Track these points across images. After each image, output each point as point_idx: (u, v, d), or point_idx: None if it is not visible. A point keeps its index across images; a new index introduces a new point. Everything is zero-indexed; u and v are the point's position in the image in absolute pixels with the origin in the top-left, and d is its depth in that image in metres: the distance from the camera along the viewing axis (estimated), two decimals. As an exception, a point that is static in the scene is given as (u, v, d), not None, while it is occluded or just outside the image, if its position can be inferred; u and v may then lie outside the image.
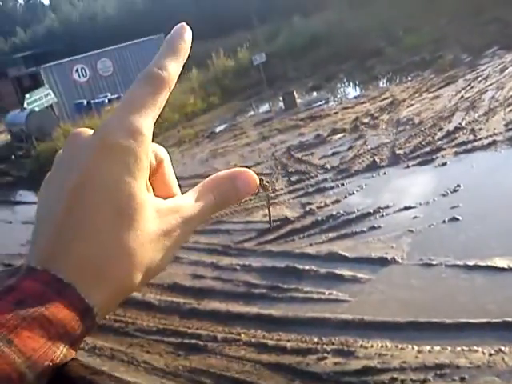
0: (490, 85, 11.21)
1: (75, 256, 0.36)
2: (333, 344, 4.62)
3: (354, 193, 7.81)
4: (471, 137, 8.65)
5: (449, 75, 13.11)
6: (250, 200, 8.45)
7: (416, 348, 4.28)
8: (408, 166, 8.30)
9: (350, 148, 9.64)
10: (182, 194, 0.45)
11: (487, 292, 4.79)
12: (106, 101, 18.64)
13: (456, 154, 8.27)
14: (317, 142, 10.66)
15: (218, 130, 14.66)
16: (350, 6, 23.55)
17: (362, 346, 4.50)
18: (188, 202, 0.41)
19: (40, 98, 16.85)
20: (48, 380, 0.33)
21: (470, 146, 8.37)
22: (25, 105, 16.68)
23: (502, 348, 4.02)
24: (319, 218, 7.16)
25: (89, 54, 21.91)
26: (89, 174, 0.37)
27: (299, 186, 8.53)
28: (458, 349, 4.14)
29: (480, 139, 8.46)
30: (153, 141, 0.41)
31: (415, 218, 6.57)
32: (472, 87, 11.46)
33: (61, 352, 0.33)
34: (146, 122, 0.38)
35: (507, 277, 4.95)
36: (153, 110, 0.39)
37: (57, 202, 0.37)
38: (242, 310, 5.56)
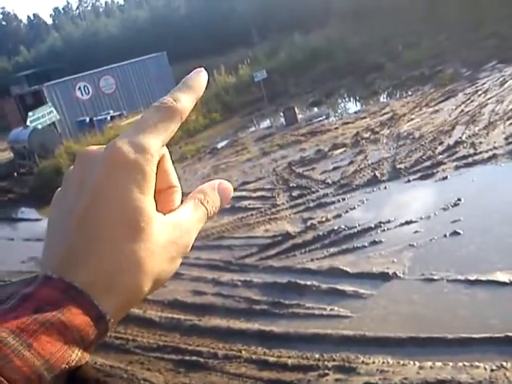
0: (490, 98, 11.26)
1: (89, 266, 0.38)
2: (334, 360, 4.58)
3: (355, 207, 7.81)
4: (472, 150, 8.67)
5: (448, 89, 13.18)
6: (252, 215, 8.46)
7: (417, 364, 4.24)
8: (409, 181, 8.31)
9: (351, 163, 9.66)
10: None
11: (489, 307, 4.76)
12: (109, 118, 18.76)
13: (456, 167, 8.27)
14: (318, 156, 10.69)
15: (219, 145, 14.72)
16: (350, 22, 23.75)
17: (363, 362, 4.46)
18: (187, 216, 0.44)
19: (43, 116, 16.96)
20: (63, 381, 0.35)
21: (470, 159, 8.38)
22: (28, 122, 16.79)
23: (504, 364, 3.98)
24: (320, 233, 7.15)
25: (91, 71, 22.11)
26: (100, 188, 0.39)
27: (300, 201, 8.53)
28: (460, 364, 4.10)
29: (480, 153, 8.47)
30: None
31: (416, 232, 6.55)
32: (472, 101, 11.50)
33: (76, 355, 0.35)
34: (154, 142, 0.41)
35: (509, 291, 4.92)
36: (162, 134, 0.42)
37: (70, 215, 0.40)
38: (243, 327, 5.53)
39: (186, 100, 0.44)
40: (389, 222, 6.98)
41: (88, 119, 19.38)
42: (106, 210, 0.39)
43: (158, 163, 0.44)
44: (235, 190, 9.90)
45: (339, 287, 5.73)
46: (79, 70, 26.50)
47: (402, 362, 4.32)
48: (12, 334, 0.33)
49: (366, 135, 11.15)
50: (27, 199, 14.18)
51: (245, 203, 9.10)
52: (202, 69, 0.48)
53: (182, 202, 0.48)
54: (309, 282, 5.95)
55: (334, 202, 8.17)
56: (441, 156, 8.84)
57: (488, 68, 14.25)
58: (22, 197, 14.61)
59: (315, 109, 16.27)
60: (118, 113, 19.59)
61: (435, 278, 5.45)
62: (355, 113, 14.07)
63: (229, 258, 7.29)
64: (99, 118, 19.04)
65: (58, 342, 0.34)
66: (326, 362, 4.57)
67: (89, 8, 73.94)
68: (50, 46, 52.59)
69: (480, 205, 6.88)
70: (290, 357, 4.80)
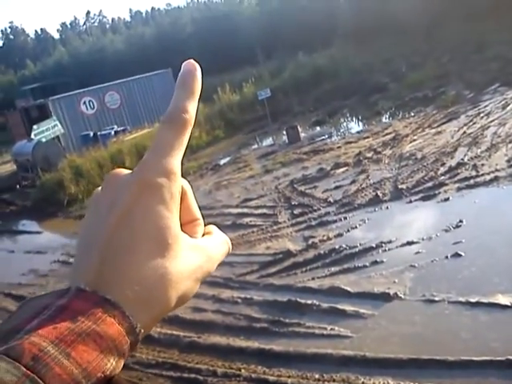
0: (492, 121, 11.31)
1: (121, 280, 0.40)
2: (334, 381, 4.55)
3: (356, 227, 7.81)
4: (474, 172, 8.69)
5: (451, 111, 13.26)
6: (253, 232, 8.46)
7: (418, 386, 4.21)
8: (411, 201, 8.32)
9: (353, 182, 9.69)
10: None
11: (490, 329, 4.73)
12: (113, 133, 18.86)
13: (458, 189, 8.29)
14: (320, 175, 10.72)
15: (222, 162, 14.78)
16: (355, 42, 23.99)
17: (363, 383, 4.43)
18: (213, 246, 0.48)
19: (47, 129, 17.07)
20: None
21: (472, 181, 8.40)
22: (32, 135, 16.88)
23: (506, 387, 3.95)
24: (322, 252, 7.14)
25: (97, 86, 22.30)
26: (130, 208, 0.42)
27: (302, 219, 8.54)
28: (461, 387, 4.07)
29: (482, 175, 8.49)
30: None
31: (418, 253, 6.54)
32: (474, 123, 11.56)
33: (111, 364, 0.37)
34: (175, 162, 0.44)
35: (510, 314, 4.90)
36: (180, 150, 0.45)
37: (101, 232, 0.42)
38: (243, 345, 5.50)
39: (192, 108, 0.46)
40: (390, 242, 6.97)
41: (92, 133, 19.48)
42: (135, 227, 0.41)
43: (182, 200, 0.46)
44: (237, 206, 9.91)
45: (340, 307, 5.71)
46: (85, 84, 26.75)
47: (402, 384, 4.29)
48: (51, 343, 0.35)
49: (369, 155, 11.19)
50: (29, 212, 14.20)
51: (246, 220, 9.11)
52: (193, 63, 0.48)
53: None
54: (309, 301, 5.93)
55: (335, 221, 8.18)
56: (443, 177, 8.86)
57: (490, 91, 14.35)
58: (24, 209, 14.63)
59: (318, 128, 16.35)
60: (122, 128, 19.70)
61: (436, 299, 5.43)
62: (358, 132, 14.14)
63: (229, 275, 7.27)
64: (103, 132, 19.14)
65: (95, 351, 0.36)
66: (326, 383, 4.54)
67: (96, 24, 74.87)
68: (56, 61, 53.13)
69: (482, 227, 6.87)
70: (289, 376, 4.76)
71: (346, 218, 8.19)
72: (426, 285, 5.73)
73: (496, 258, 5.96)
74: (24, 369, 0.33)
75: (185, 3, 63.48)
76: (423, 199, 8.29)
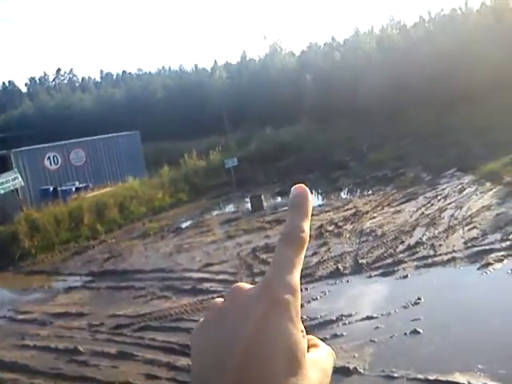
0: (450, 203, 11.79)
1: None
2: None
3: (317, 298, 7.81)
4: (431, 252, 8.94)
5: (410, 192, 13.75)
6: (213, 298, 8.29)
7: None
8: (370, 276, 8.43)
9: (315, 254, 9.77)
10: None
11: (449, 409, 4.72)
12: (73, 189, 18.59)
13: (417, 267, 8.48)
14: (282, 245, 10.75)
15: (184, 225, 14.70)
16: (319, 121, 24.96)
17: None
18: (323, 357, 0.48)
19: (7, 181, 16.68)
20: None
21: (430, 260, 8.62)
22: (-10, 186, 16.45)
23: None
24: (281, 322, 7.05)
25: (63, 142, 22.18)
26: (263, 323, 0.43)
27: (263, 288, 8.47)
28: None
29: (440, 255, 8.74)
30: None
31: (377, 328, 6.56)
32: (432, 204, 12.01)
33: None
34: (297, 279, 0.46)
35: (469, 393, 4.92)
36: (299, 267, 0.47)
37: (237, 343, 0.43)
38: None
39: (307, 228, 0.50)
40: (350, 315, 6.99)
41: (52, 188, 19.13)
42: (268, 344, 0.42)
43: None
44: (198, 270, 9.73)
45: (299, 379, 5.59)
46: (50, 139, 26.58)
47: None
48: None
49: (330, 228, 11.37)
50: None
51: (207, 285, 8.98)
52: (306, 189, 0.51)
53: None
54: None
55: (296, 292, 8.14)
56: (402, 255, 9.06)
57: (448, 175, 15.04)
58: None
59: (280, 198, 16.62)
60: (83, 184, 19.47)
61: (395, 375, 5.41)
62: (319, 206, 14.40)
63: (186, 342, 7.05)
64: (64, 188, 18.83)
65: None
66: None
67: (65, 81, 75.40)
68: (21, 113, 52.77)
69: (439, 305, 7.00)
70: None
71: (306, 289, 8.18)
72: (386, 360, 5.72)
73: (453, 337, 6.05)
74: None
75: (156, 70, 64.88)
76: (383, 275, 8.43)
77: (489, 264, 8.02)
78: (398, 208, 12.35)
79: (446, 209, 11.39)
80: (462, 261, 8.39)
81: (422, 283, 7.88)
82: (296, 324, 0.44)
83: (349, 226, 11.38)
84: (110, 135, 23.71)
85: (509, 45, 21.81)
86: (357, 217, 12.04)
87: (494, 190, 12.40)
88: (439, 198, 12.54)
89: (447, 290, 7.53)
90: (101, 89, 55.73)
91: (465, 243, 9.04)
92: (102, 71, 77.51)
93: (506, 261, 8.08)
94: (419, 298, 7.18)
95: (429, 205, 12.03)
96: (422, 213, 11.45)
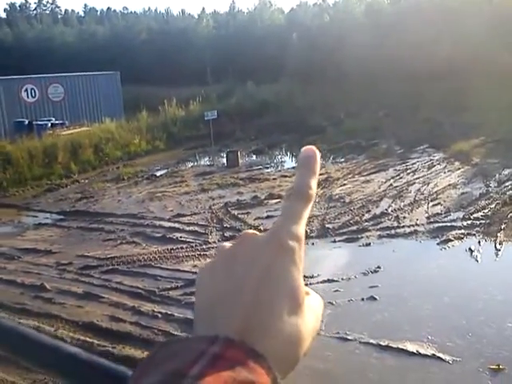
0: (418, 178, 12.12)
1: (265, 333, 0.45)
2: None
3: (282, 258, 8.07)
4: (395, 223, 9.28)
5: (381, 163, 14.02)
6: (182, 249, 8.53)
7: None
8: (335, 241, 8.74)
9: (284, 215, 9.98)
10: None
11: (395, 374, 5.10)
12: (49, 125, 18.30)
13: (380, 237, 8.81)
14: (254, 202, 10.99)
15: (158, 173, 14.73)
16: (300, 82, 24.78)
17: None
18: (316, 304, 0.51)
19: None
20: None
21: (393, 231, 8.97)
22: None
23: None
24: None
25: (42, 75, 21.60)
26: (270, 266, 0.47)
27: (231, 243, 8.69)
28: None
29: (403, 227, 9.09)
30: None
31: (336, 291, 6.89)
32: (401, 178, 12.32)
33: None
34: (302, 230, 0.50)
35: (415, 361, 5.30)
36: (305, 220, 0.51)
37: (245, 285, 0.46)
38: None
39: (315, 186, 0.53)
40: (312, 277, 7.27)
41: (27, 122, 18.79)
42: (276, 284, 0.46)
43: None
44: (169, 220, 9.85)
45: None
46: (27, 70, 25.77)
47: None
48: None
49: (302, 191, 11.57)
50: None
51: (177, 235, 9.16)
52: (315, 150, 0.54)
53: None
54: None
55: (263, 250, 8.39)
56: (367, 223, 9.38)
57: (419, 150, 15.34)
58: None
59: (255, 157, 16.74)
60: (60, 121, 19.17)
61: (349, 338, 5.75)
62: (293, 168, 14.56)
63: (152, 288, 7.28)
64: (39, 123, 18.52)
65: None
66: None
67: (47, 11, 72.38)
68: (-2, 40, 50.65)
69: (397, 275, 7.36)
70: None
71: (273, 249, 8.43)
72: (341, 323, 6.04)
73: (407, 307, 6.41)
74: None
75: (142, 10, 62.83)
76: (347, 241, 8.74)
77: (449, 240, 8.40)
78: (368, 178, 12.61)
79: (414, 183, 11.73)
80: (424, 235, 8.76)
81: (383, 252, 8.22)
82: (299, 270, 0.48)
83: (319, 191, 11.60)
84: (90, 73, 23.18)
85: (495, 24, 21.82)
86: (328, 182, 12.25)
87: (462, 169, 12.77)
88: (408, 171, 12.86)
89: (406, 262, 7.91)
90: (84, 24, 53.68)
91: (428, 218, 9.40)
92: (86, 5, 75.00)
93: (465, 239, 8.47)
94: (379, 267, 7.52)
95: (398, 177, 12.34)
96: (391, 184, 11.76)
